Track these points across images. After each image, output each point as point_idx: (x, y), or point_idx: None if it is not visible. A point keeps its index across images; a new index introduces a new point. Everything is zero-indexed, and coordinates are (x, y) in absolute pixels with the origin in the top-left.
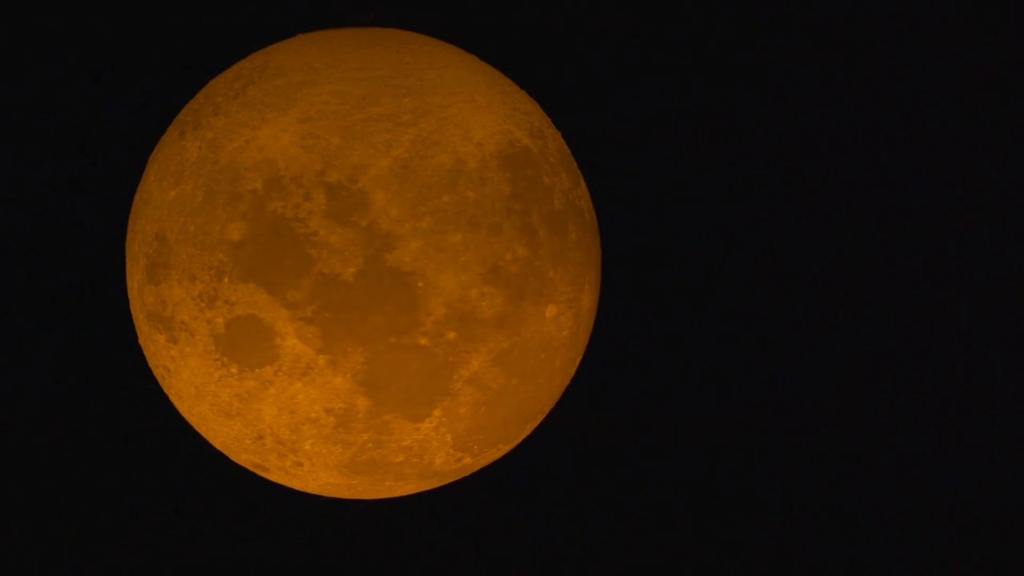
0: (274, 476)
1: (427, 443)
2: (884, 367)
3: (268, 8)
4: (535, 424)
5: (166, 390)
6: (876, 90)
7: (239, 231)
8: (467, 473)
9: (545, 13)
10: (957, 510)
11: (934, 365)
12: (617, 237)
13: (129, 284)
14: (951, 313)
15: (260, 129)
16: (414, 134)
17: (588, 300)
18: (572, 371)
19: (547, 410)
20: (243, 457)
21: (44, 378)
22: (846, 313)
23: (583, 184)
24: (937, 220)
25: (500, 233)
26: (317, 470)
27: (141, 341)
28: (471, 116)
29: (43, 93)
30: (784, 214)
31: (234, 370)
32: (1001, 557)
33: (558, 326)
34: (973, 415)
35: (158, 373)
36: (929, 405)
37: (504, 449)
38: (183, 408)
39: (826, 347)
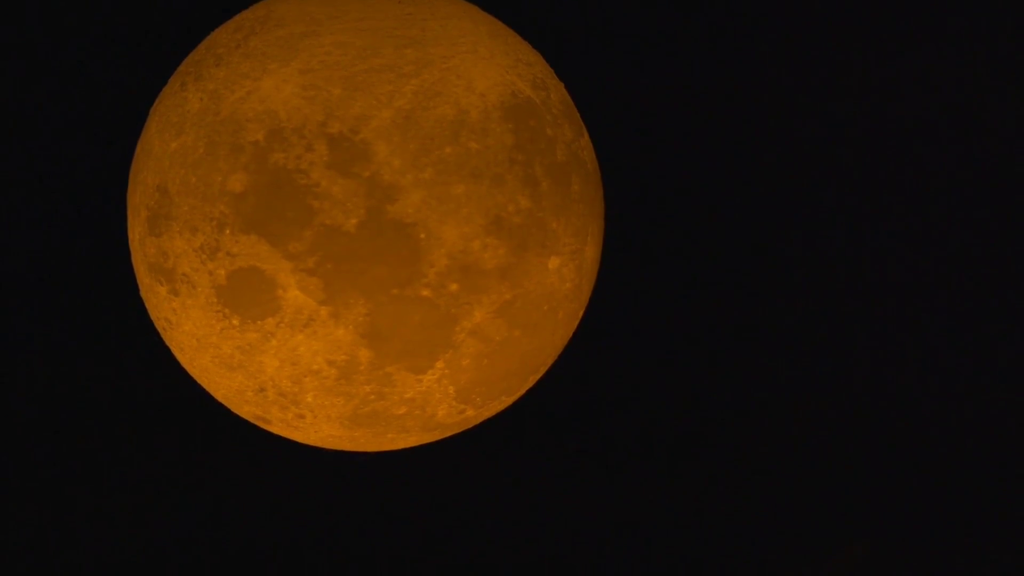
0: (276, 428)
1: (429, 395)
2: (886, 325)
3: None
4: (538, 376)
5: (167, 342)
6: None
7: (241, 182)
8: (470, 426)
9: None
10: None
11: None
12: (620, 189)
13: (130, 236)
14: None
15: (262, 80)
16: (416, 85)
17: (591, 252)
18: (575, 323)
19: (550, 362)
20: (245, 409)
21: (45, 331)
22: (849, 266)
23: (586, 135)
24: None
25: (503, 184)
26: (319, 422)
27: (143, 293)
28: (474, 67)
29: (45, 44)
30: (788, 165)
31: (236, 322)
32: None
33: (561, 278)
34: (972, 413)
35: (160, 325)
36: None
37: (507, 401)
38: (184, 360)
39: (830, 296)
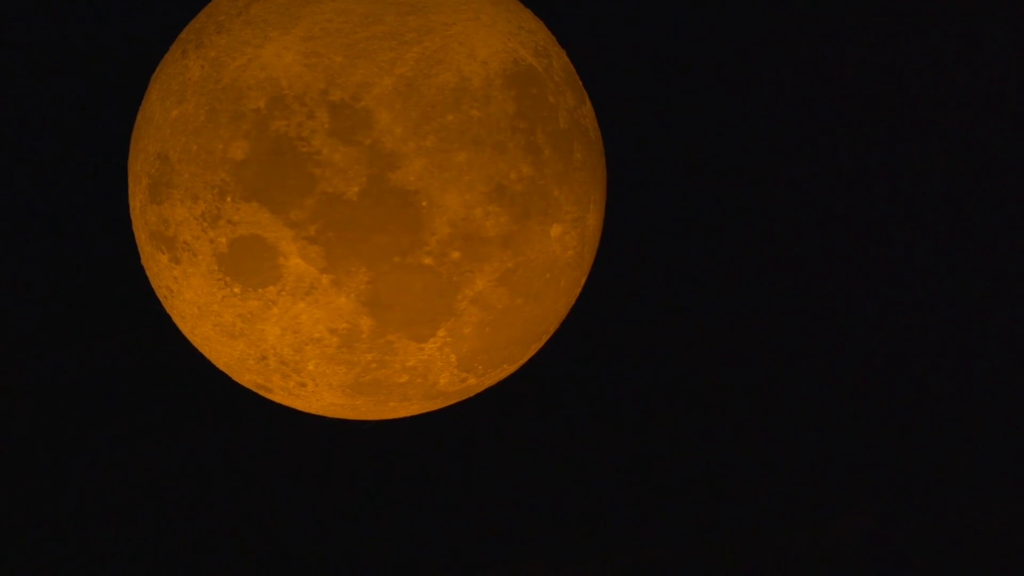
0: (277, 397)
1: (431, 363)
2: (885, 294)
3: None
4: (540, 345)
5: (169, 311)
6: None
7: (242, 150)
8: (472, 394)
9: None
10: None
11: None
12: (622, 156)
13: (131, 204)
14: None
15: (263, 47)
16: (418, 52)
17: (593, 220)
18: (577, 291)
19: (552, 330)
20: (246, 378)
21: (45, 298)
22: (851, 235)
23: (588, 103)
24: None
25: (505, 152)
26: (321, 390)
27: (144, 261)
28: (475, 34)
29: (46, 12)
30: (791, 133)
31: (237, 290)
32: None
33: (563, 245)
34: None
35: (161, 294)
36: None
37: (509, 370)
38: (186, 329)
39: (832, 265)
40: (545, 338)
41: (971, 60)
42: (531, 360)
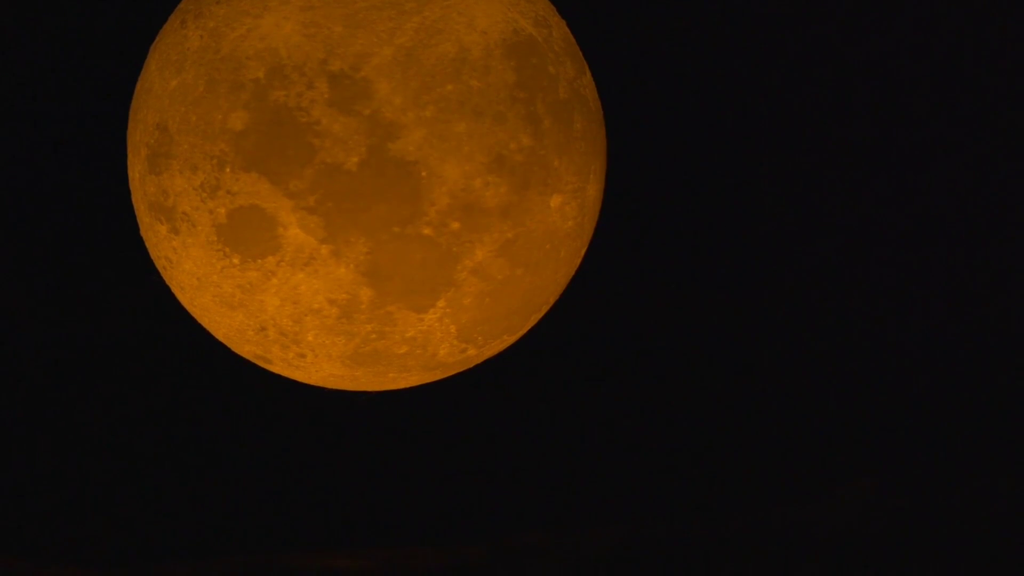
0: (277, 368)
1: (431, 334)
2: (887, 270)
3: None
4: (540, 315)
5: (168, 281)
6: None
7: (241, 120)
8: (471, 365)
9: None
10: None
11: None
12: (623, 127)
13: (130, 174)
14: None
15: (262, 17)
16: (418, 22)
17: (593, 190)
18: (577, 262)
19: (552, 301)
20: (246, 349)
21: (44, 269)
22: (850, 201)
23: (588, 73)
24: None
25: (504, 122)
26: (320, 361)
27: (143, 232)
28: (475, 4)
29: None
30: (792, 104)
31: (236, 261)
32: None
33: (563, 216)
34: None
35: (160, 265)
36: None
37: (509, 340)
38: (185, 300)
39: (832, 233)
40: (545, 308)
41: (971, 60)
42: (531, 331)
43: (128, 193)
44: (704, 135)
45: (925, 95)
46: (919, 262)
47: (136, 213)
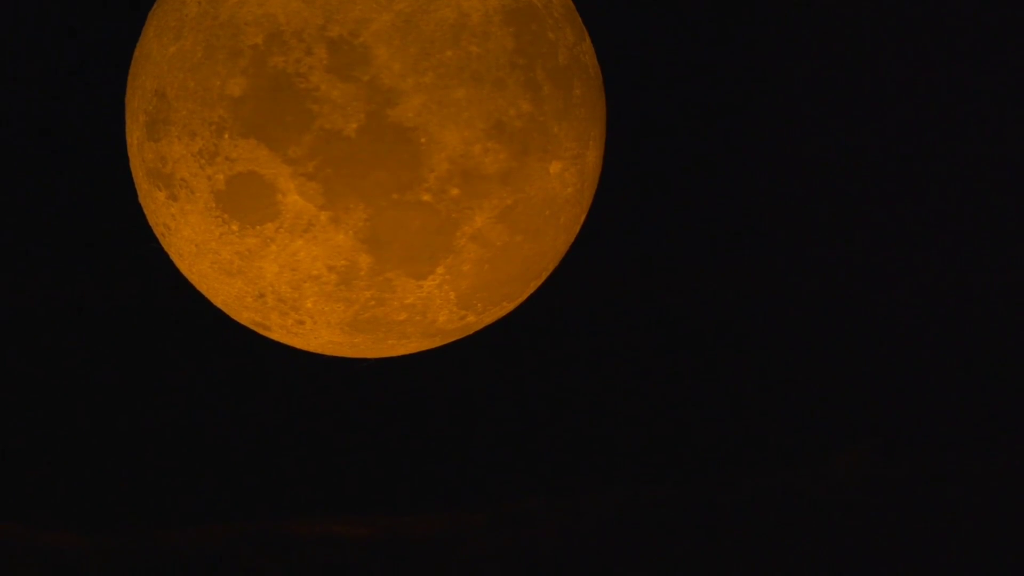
0: (276, 335)
1: (430, 301)
2: (886, 247)
3: None
4: (539, 282)
5: (166, 248)
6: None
7: (240, 87)
8: (471, 332)
9: None
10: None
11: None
12: (622, 93)
13: (129, 141)
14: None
15: None
16: None
17: (593, 157)
18: (576, 229)
19: (551, 268)
20: (244, 316)
21: (42, 235)
22: (850, 179)
23: (588, 39)
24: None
25: (504, 88)
26: (319, 328)
27: (141, 199)
28: None
29: None
30: (792, 68)
31: (235, 227)
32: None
33: (562, 182)
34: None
35: (158, 231)
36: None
37: (508, 307)
38: (183, 267)
39: (833, 196)
40: (544, 275)
41: (971, 60)
42: (530, 297)
43: (127, 159)
44: (704, 103)
45: (926, 95)
46: (921, 236)
47: (134, 180)
